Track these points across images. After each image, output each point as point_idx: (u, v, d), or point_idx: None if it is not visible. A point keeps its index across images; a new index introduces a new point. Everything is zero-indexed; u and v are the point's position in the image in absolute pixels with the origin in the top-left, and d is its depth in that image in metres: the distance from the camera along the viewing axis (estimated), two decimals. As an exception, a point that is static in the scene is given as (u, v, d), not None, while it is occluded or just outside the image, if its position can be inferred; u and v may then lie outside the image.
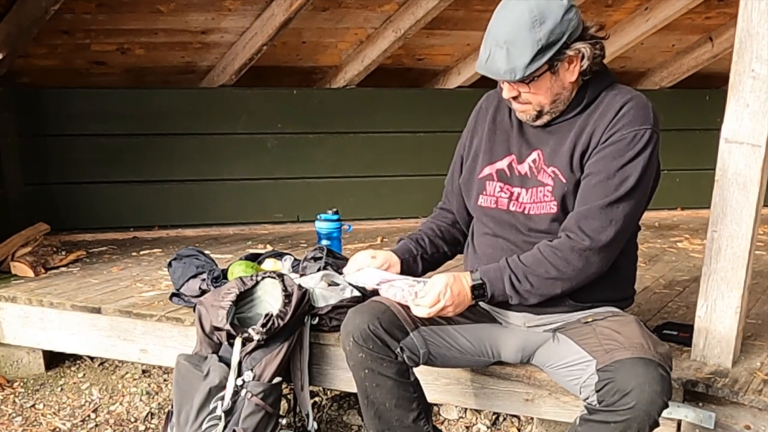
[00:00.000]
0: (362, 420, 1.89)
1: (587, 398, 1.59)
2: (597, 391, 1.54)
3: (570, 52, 1.58)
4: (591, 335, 1.66)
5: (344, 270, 1.86)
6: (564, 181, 1.66)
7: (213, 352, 2.10)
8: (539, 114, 1.68)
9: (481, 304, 1.84)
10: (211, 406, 1.99)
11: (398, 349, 1.71)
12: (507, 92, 1.65)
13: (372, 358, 1.71)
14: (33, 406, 2.54)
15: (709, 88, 4.76)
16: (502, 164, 1.75)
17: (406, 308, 1.75)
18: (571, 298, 1.72)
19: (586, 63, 1.61)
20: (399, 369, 1.73)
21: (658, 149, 1.64)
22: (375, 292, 2.32)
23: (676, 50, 4.58)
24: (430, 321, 1.76)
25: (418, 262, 1.88)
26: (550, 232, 1.69)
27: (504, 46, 1.56)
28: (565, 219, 1.67)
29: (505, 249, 1.74)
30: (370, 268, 1.79)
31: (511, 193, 1.73)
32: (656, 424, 1.51)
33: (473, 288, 1.65)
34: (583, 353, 1.63)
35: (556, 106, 1.67)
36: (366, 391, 1.77)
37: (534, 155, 1.72)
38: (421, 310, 1.64)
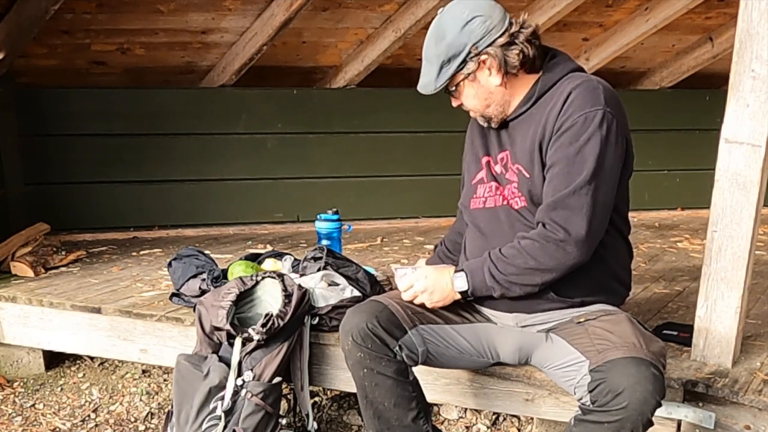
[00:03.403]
0: (362, 420, 1.89)
1: (581, 398, 1.59)
2: (590, 392, 1.54)
3: (475, 62, 1.66)
4: (583, 335, 1.66)
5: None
6: (527, 176, 1.70)
7: (213, 352, 2.10)
8: (486, 119, 1.77)
9: (476, 305, 1.85)
10: (211, 406, 1.99)
11: (397, 348, 1.72)
12: (453, 102, 1.80)
13: (371, 357, 1.71)
14: (33, 406, 2.55)
15: (709, 88, 4.76)
16: (484, 165, 1.83)
17: (404, 307, 1.77)
18: (557, 294, 1.72)
19: (500, 66, 1.66)
20: (398, 368, 1.74)
21: (617, 129, 1.62)
22: (377, 292, 2.34)
23: (676, 50, 4.58)
24: (427, 320, 1.78)
25: None
26: (530, 226, 1.72)
27: (424, 63, 1.73)
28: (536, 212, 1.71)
29: (488, 248, 1.76)
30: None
31: (492, 189, 1.79)
32: (650, 423, 1.51)
33: (455, 279, 1.71)
34: (577, 354, 1.63)
35: (496, 109, 1.74)
36: (365, 391, 1.77)
37: (502, 155, 1.79)
38: (403, 295, 1.77)
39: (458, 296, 1.74)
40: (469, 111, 1.79)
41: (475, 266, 1.71)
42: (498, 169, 1.79)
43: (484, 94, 1.71)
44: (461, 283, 1.71)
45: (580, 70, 1.75)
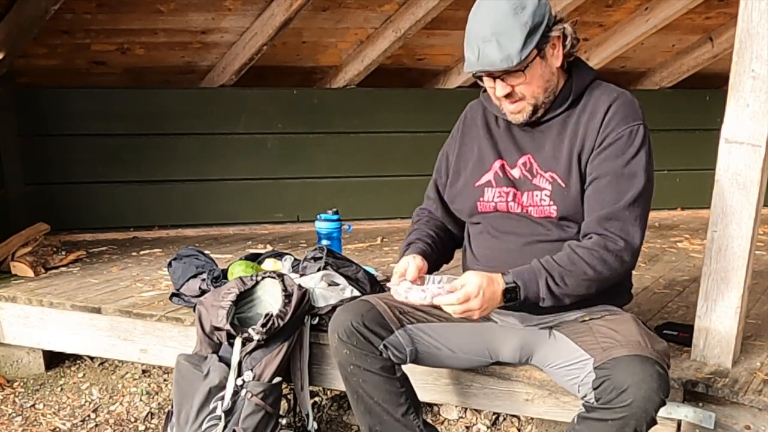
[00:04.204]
0: (360, 419, 1.89)
1: (585, 396, 1.59)
2: (594, 389, 1.54)
3: (554, 34, 1.62)
4: (588, 333, 1.67)
5: (395, 283, 1.69)
6: (563, 185, 1.67)
7: (213, 352, 2.10)
8: (535, 109, 1.67)
9: None
10: (211, 406, 1.99)
11: (381, 347, 1.73)
12: (501, 89, 1.63)
13: (356, 354, 1.73)
14: (33, 406, 2.55)
15: (709, 88, 4.76)
16: (496, 168, 1.76)
17: (393, 307, 1.76)
18: None
19: (568, 45, 1.65)
20: (384, 365, 1.75)
21: (651, 143, 1.67)
22: (376, 292, 2.34)
23: (676, 50, 4.58)
24: (417, 319, 1.78)
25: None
26: (549, 234, 1.70)
27: (492, 38, 1.56)
28: (564, 221, 1.68)
29: (504, 250, 1.75)
30: (407, 283, 1.67)
31: (507, 194, 1.74)
32: (654, 422, 1.51)
33: (506, 291, 1.58)
34: (581, 351, 1.63)
35: (548, 96, 1.67)
36: (353, 387, 1.79)
37: (524, 159, 1.73)
38: (450, 308, 1.57)
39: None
40: (517, 102, 1.65)
41: (527, 277, 1.60)
42: (517, 173, 1.73)
43: (547, 75, 1.64)
44: (513, 295, 1.59)
45: (597, 75, 1.75)
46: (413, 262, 1.69)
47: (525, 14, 1.56)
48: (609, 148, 1.63)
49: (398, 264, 1.72)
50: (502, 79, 1.62)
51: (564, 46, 1.65)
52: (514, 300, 1.59)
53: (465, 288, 1.55)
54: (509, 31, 1.56)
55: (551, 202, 1.68)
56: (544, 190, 1.69)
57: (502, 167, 1.75)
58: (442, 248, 1.88)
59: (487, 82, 1.67)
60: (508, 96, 1.64)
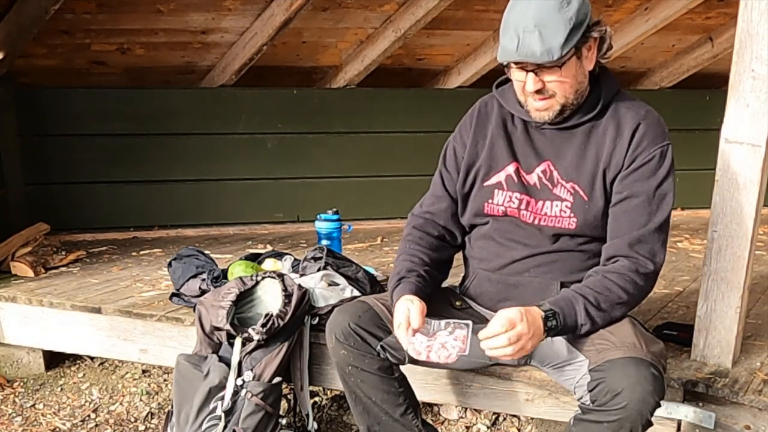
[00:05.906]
0: (360, 419, 1.89)
1: (581, 398, 1.59)
2: (590, 391, 1.54)
3: (594, 35, 1.59)
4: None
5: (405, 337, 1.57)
6: (586, 198, 1.65)
7: (213, 352, 2.10)
8: (562, 109, 1.62)
9: (474, 306, 1.83)
10: (211, 406, 1.99)
11: (379, 348, 1.72)
12: (532, 84, 1.56)
13: (354, 355, 1.73)
14: (33, 406, 2.55)
15: (709, 88, 4.76)
16: (509, 171, 1.70)
17: (389, 308, 1.72)
18: None
19: (604, 48, 1.62)
20: (381, 365, 1.74)
21: None
22: (376, 292, 2.33)
23: (676, 50, 4.58)
24: None
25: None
26: (560, 246, 1.68)
27: (535, 29, 1.51)
28: (579, 236, 1.67)
29: (509, 258, 1.72)
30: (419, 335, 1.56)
31: (520, 202, 1.69)
32: (649, 424, 1.51)
33: (545, 318, 1.51)
34: (576, 353, 1.63)
35: (576, 98, 1.62)
36: (351, 388, 1.78)
37: (543, 166, 1.69)
38: (499, 351, 1.46)
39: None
40: (547, 99, 1.59)
41: (564, 304, 1.55)
42: (532, 179, 1.69)
43: (581, 76, 1.60)
44: (554, 322, 1.52)
45: (619, 84, 1.71)
46: (414, 308, 1.57)
47: (570, 10, 1.52)
48: (640, 169, 1.62)
49: (397, 311, 1.60)
50: (536, 73, 1.56)
51: (599, 50, 1.62)
52: (555, 327, 1.52)
53: (506, 317, 1.45)
54: (553, 24, 1.51)
55: (572, 215, 1.65)
56: (565, 201, 1.66)
57: (517, 171, 1.70)
58: (437, 273, 1.79)
59: (516, 75, 1.60)
60: (538, 92, 1.58)
